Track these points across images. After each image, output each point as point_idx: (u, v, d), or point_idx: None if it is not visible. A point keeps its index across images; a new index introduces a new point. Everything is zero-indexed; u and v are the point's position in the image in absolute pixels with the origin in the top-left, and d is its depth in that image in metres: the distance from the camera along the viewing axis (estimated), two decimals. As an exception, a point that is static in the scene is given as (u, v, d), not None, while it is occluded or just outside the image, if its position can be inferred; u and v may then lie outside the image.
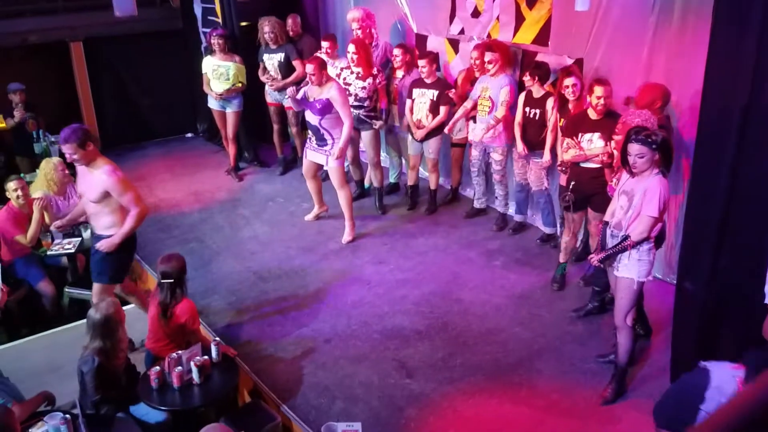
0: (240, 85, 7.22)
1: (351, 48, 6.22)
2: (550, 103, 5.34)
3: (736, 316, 3.57)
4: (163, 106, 9.04)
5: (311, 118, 5.78)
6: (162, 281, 4.10)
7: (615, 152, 4.32)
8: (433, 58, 6.24)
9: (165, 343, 4.14)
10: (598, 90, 4.57)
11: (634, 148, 3.55)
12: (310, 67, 5.68)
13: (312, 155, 6.03)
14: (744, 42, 3.17)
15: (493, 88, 5.68)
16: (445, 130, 6.08)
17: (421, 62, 6.10)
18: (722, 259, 3.52)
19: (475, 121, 5.95)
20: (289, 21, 7.27)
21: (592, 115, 4.69)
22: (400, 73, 6.50)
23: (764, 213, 3.30)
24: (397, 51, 6.39)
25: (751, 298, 3.44)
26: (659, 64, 4.79)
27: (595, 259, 3.87)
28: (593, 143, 4.65)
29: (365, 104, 6.27)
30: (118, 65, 8.77)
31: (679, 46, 4.63)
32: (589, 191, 4.69)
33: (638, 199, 3.61)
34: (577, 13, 4.85)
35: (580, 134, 4.71)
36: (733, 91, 3.26)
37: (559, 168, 5.00)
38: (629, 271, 3.73)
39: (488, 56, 5.63)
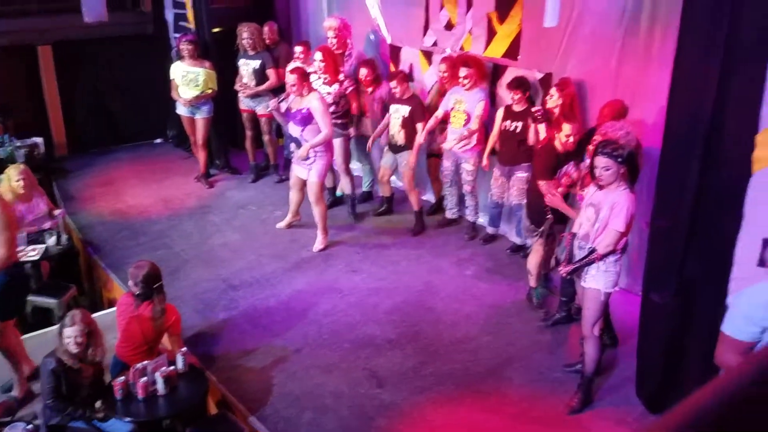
0: (210, 91, 7.17)
1: (318, 55, 6.24)
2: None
3: (701, 327, 3.65)
4: (132, 111, 8.92)
5: (294, 130, 5.75)
6: (144, 286, 4.04)
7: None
8: (404, 76, 6.20)
9: (144, 349, 4.07)
10: (567, 128, 4.46)
11: (601, 161, 3.62)
12: (291, 78, 5.65)
13: (296, 169, 6.00)
14: (709, 54, 3.27)
15: (468, 102, 5.73)
16: (420, 140, 6.09)
17: (392, 83, 6.10)
18: (688, 270, 3.60)
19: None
20: (266, 29, 7.25)
21: (558, 146, 4.56)
22: (368, 89, 6.46)
23: (729, 224, 3.38)
24: (363, 71, 6.33)
25: (716, 308, 3.52)
26: (627, 77, 4.89)
27: (563, 271, 3.93)
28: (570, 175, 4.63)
29: (332, 110, 6.28)
30: (87, 69, 8.63)
31: (646, 58, 4.74)
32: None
33: (605, 213, 3.67)
34: (546, 27, 4.94)
35: (559, 171, 4.63)
36: (699, 102, 3.35)
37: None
38: (596, 282, 3.79)
39: (463, 71, 5.67)
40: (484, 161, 5.70)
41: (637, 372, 4.02)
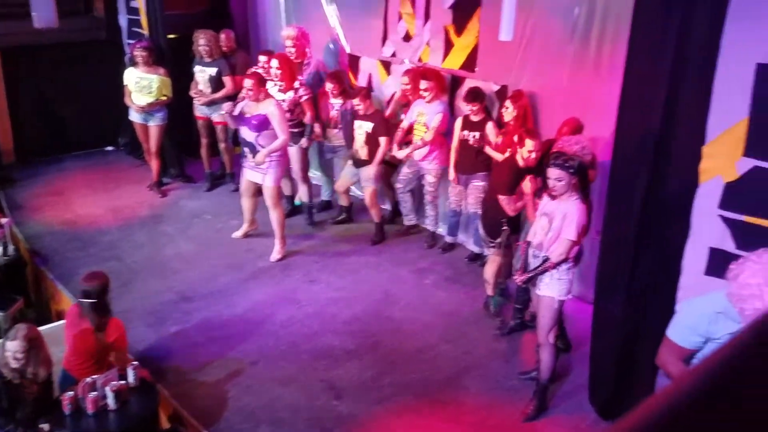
0: (164, 98, 7.04)
1: (274, 63, 6.20)
2: (489, 127, 5.46)
3: (651, 335, 3.73)
4: (83, 119, 8.67)
5: (247, 135, 5.68)
6: (82, 300, 3.91)
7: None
8: (366, 93, 6.17)
9: (91, 363, 3.93)
10: (529, 144, 4.47)
11: (554, 172, 3.69)
12: (248, 82, 5.59)
13: (249, 174, 5.92)
14: (658, 68, 3.37)
15: (428, 114, 5.78)
16: (379, 156, 6.08)
17: (355, 101, 6.07)
18: (637, 279, 3.69)
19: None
20: (222, 36, 7.16)
21: (520, 160, 4.57)
22: (337, 101, 6.36)
23: (677, 234, 3.48)
24: (329, 85, 6.25)
25: (665, 316, 3.62)
26: (578, 91, 5.01)
27: (519, 279, 3.98)
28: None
29: (286, 117, 6.24)
30: (37, 76, 8.35)
31: (596, 72, 4.87)
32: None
33: (558, 222, 3.75)
34: (502, 41, 5.03)
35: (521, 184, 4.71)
36: (647, 115, 3.45)
37: None
38: (550, 290, 3.85)
39: (424, 84, 5.73)
40: (451, 174, 5.72)
41: (590, 379, 4.09)
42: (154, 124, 7.13)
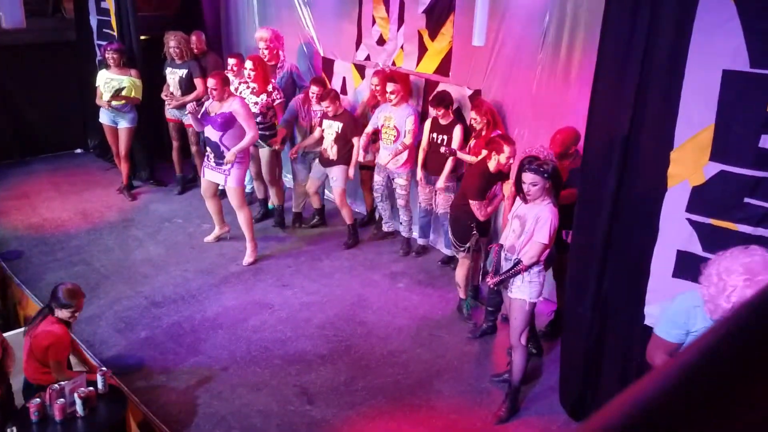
0: (133, 96, 6.93)
1: (248, 64, 6.16)
2: (456, 130, 5.49)
3: (620, 336, 3.79)
4: (51, 121, 8.51)
5: (212, 134, 5.62)
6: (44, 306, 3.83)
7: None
8: (335, 95, 6.11)
9: (47, 370, 3.83)
10: (507, 150, 4.46)
11: (528, 176, 3.73)
12: (212, 82, 5.54)
13: (210, 174, 5.85)
14: (626, 75, 3.43)
15: (397, 118, 5.78)
16: (358, 158, 6.12)
17: (324, 103, 6.01)
18: (606, 281, 3.74)
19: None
20: (193, 38, 7.10)
21: (492, 168, 4.56)
22: (318, 106, 6.28)
23: (645, 237, 3.54)
24: (315, 88, 6.19)
25: (631, 319, 3.67)
26: (546, 96, 5.08)
27: (491, 282, 4.01)
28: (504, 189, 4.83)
29: (258, 120, 6.19)
30: (4, 77, 8.17)
31: (565, 79, 4.94)
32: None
33: (530, 225, 3.79)
34: (475, 46, 5.07)
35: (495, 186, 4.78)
36: (616, 121, 3.50)
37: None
38: (521, 292, 3.89)
39: (390, 87, 5.72)
40: (419, 174, 5.76)
41: (560, 381, 4.13)
42: (123, 126, 7.02)
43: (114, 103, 6.88)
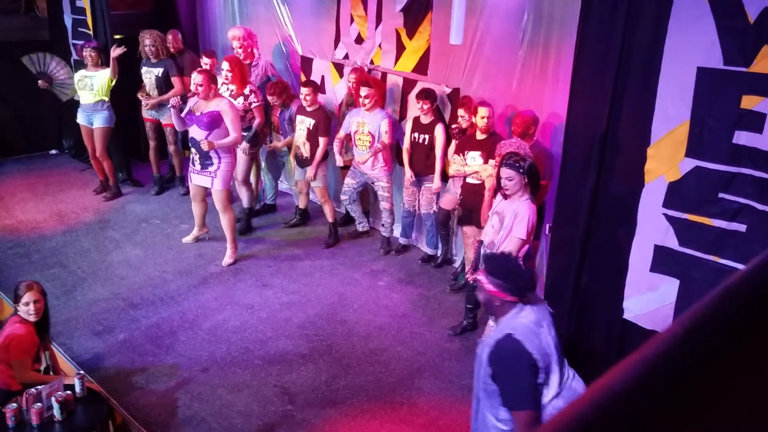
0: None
1: (225, 65, 6.11)
2: (438, 129, 5.50)
3: (597, 331, 3.83)
4: (25, 121, 8.35)
5: (197, 133, 5.53)
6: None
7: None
8: (316, 87, 6.15)
9: (9, 373, 3.73)
10: (482, 110, 4.96)
11: (505, 171, 3.79)
12: (198, 78, 5.44)
13: (197, 179, 5.77)
14: (603, 73, 3.47)
15: (371, 123, 5.75)
16: (338, 164, 6.11)
17: (304, 90, 5.98)
18: (584, 276, 3.78)
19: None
20: (169, 37, 7.02)
21: (479, 135, 5.03)
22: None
23: (623, 232, 3.59)
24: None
25: (610, 312, 3.72)
26: (526, 93, 5.12)
27: (471, 277, 4.02)
28: (474, 161, 4.97)
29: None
30: (-27, 76, 8.01)
31: (543, 77, 4.98)
32: (470, 205, 4.95)
33: (509, 221, 3.82)
34: (453, 45, 5.09)
35: (466, 151, 5.05)
36: (594, 118, 3.55)
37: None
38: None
39: (364, 91, 5.67)
40: (407, 173, 5.74)
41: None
42: (98, 126, 6.91)
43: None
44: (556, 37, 4.82)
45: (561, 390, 2.71)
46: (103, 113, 6.89)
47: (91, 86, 6.77)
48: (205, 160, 5.59)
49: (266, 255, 6.12)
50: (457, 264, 5.84)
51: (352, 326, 5.04)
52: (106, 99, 6.86)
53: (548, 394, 2.70)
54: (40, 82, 7.01)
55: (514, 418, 2.63)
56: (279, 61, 7.12)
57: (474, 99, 5.32)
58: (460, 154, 5.08)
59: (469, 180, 5.07)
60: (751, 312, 0.51)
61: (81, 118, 6.96)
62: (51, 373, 4.00)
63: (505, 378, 2.61)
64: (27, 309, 3.70)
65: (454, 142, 5.38)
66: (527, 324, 2.65)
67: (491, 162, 4.76)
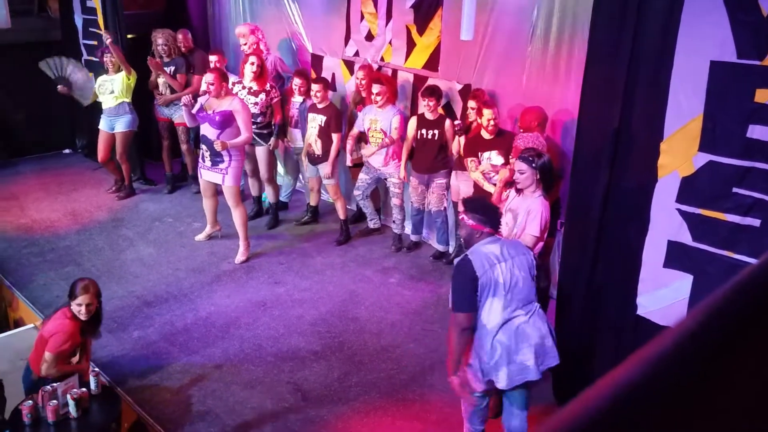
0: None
1: (253, 59, 6.11)
2: (448, 125, 5.48)
3: (610, 327, 3.81)
4: (39, 121, 8.43)
5: (208, 131, 5.56)
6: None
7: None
8: (327, 83, 6.17)
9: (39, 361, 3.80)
10: (487, 113, 4.93)
11: (517, 164, 3.82)
12: (210, 77, 5.48)
13: (207, 175, 5.80)
14: (615, 67, 3.44)
15: (382, 120, 5.75)
16: (348, 163, 6.13)
17: (315, 86, 5.99)
18: (598, 272, 3.75)
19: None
20: (179, 36, 7.05)
21: (485, 135, 5.01)
22: (299, 98, 6.33)
23: (636, 228, 3.56)
24: (297, 80, 6.20)
25: (623, 309, 3.70)
26: (536, 89, 5.09)
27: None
28: (492, 160, 4.97)
29: (258, 120, 6.18)
30: (-13, 77, 8.09)
31: (553, 73, 4.96)
32: None
33: (522, 218, 3.81)
34: (464, 41, 5.07)
35: (479, 153, 5.03)
36: (606, 113, 3.52)
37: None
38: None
39: (376, 88, 5.66)
40: (402, 173, 5.78)
41: (552, 372, 4.13)
42: (120, 130, 6.96)
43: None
44: (567, 31, 4.79)
45: (504, 322, 3.24)
46: (125, 117, 6.93)
47: (112, 90, 6.82)
48: (216, 157, 5.61)
49: (278, 252, 6.15)
50: None
51: (364, 323, 5.05)
52: (128, 100, 6.91)
53: (489, 318, 3.25)
54: (59, 87, 7.04)
55: (453, 319, 3.30)
56: (288, 57, 7.13)
57: (486, 92, 5.30)
58: (474, 158, 5.05)
59: (485, 187, 4.99)
60: (764, 306, 0.51)
61: (103, 124, 7.01)
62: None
63: (454, 287, 3.31)
64: (79, 309, 3.74)
65: (458, 140, 5.36)
66: (485, 252, 3.25)
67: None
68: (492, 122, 4.90)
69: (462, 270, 3.25)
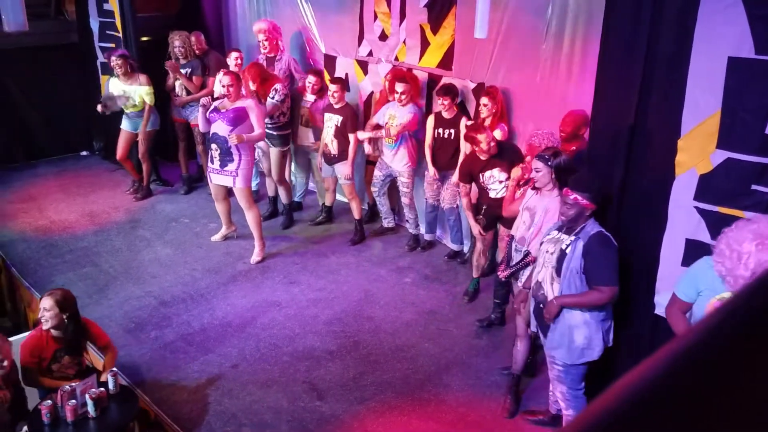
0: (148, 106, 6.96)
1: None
2: (464, 123, 5.47)
3: (628, 326, 3.78)
4: (56, 123, 8.53)
5: (220, 128, 5.56)
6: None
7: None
8: (344, 84, 6.19)
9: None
10: (481, 137, 4.63)
11: (534, 162, 3.79)
12: (226, 79, 5.52)
13: (217, 179, 5.82)
14: (631, 64, 3.41)
15: (399, 117, 5.76)
16: (360, 137, 6.08)
17: (332, 87, 6.02)
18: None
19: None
20: (193, 39, 7.10)
21: (482, 156, 4.73)
22: (311, 97, 6.36)
23: (653, 226, 3.53)
24: (312, 78, 6.24)
25: (641, 308, 3.66)
26: (551, 87, 5.06)
27: (502, 274, 4.01)
28: (495, 177, 4.78)
29: (272, 118, 6.22)
30: (6, 80, 8.18)
31: (569, 70, 4.92)
32: (495, 213, 4.81)
33: (539, 217, 3.79)
34: (477, 39, 5.05)
35: (480, 175, 4.82)
36: (621, 110, 3.49)
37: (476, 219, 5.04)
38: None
39: (400, 87, 5.68)
40: (431, 170, 5.71)
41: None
42: (144, 129, 7.03)
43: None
44: (581, 29, 4.75)
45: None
46: (149, 117, 7.00)
47: (134, 101, 6.89)
48: (226, 156, 5.62)
49: (293, 252, 6.17)
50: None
51: (379, 323, 5.05)
52: (151, 103, 6.98)
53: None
54: (99, 106, 6.97)
55: (603, 292, 3.32)
56: (302, 59, 7.15)
57: (499, 90, 5.27)
58: (477, 179, 4.84)
59: (492, 195, 4.82)
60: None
61: (125, 125, 7.08)
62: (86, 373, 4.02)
63: (602, 260, 3.31)
64: (41, 315, 3.81)
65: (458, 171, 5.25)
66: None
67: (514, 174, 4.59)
68: (488, 146, 4.63)
69: (612, 245, 3.34)
